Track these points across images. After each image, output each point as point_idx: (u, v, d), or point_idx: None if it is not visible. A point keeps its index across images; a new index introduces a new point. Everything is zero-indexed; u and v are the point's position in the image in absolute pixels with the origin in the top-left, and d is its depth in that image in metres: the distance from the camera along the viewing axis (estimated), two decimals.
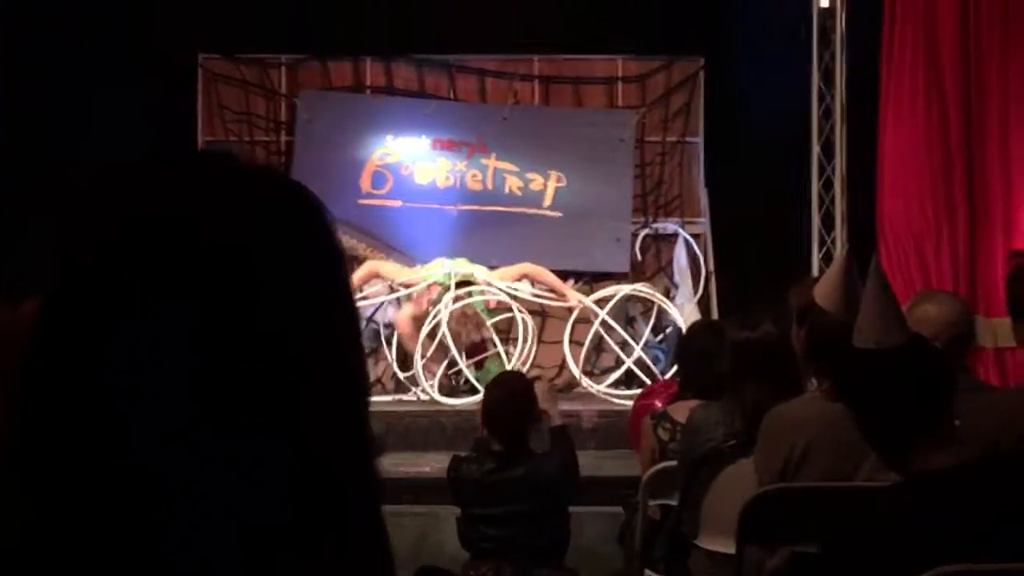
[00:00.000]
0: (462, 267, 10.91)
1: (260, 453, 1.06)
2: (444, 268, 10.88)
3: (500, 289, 10.87)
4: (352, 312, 1.17)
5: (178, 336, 1.05)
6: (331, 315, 1.14)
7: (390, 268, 11.18)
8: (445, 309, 10.69)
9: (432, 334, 10.65)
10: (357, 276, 10.98)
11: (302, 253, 1.13)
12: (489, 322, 10.86)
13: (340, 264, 1.16)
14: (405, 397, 10.65)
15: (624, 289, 11.14)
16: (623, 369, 11.00)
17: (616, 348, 11.27)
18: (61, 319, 1.08)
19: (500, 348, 10.75)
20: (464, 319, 10.75)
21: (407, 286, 10.93)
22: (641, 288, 11.23)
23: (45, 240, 1.15)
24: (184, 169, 1.14)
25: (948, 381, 3.09)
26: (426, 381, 10.53)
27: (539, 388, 6.00)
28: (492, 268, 11.10)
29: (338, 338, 1.15)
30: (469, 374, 10.62)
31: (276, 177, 1.17)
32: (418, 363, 10.56)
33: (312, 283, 1.12)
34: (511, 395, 5.71)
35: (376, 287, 11.17)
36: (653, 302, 11.57)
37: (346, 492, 1.13)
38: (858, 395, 3.18)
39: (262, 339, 1.07)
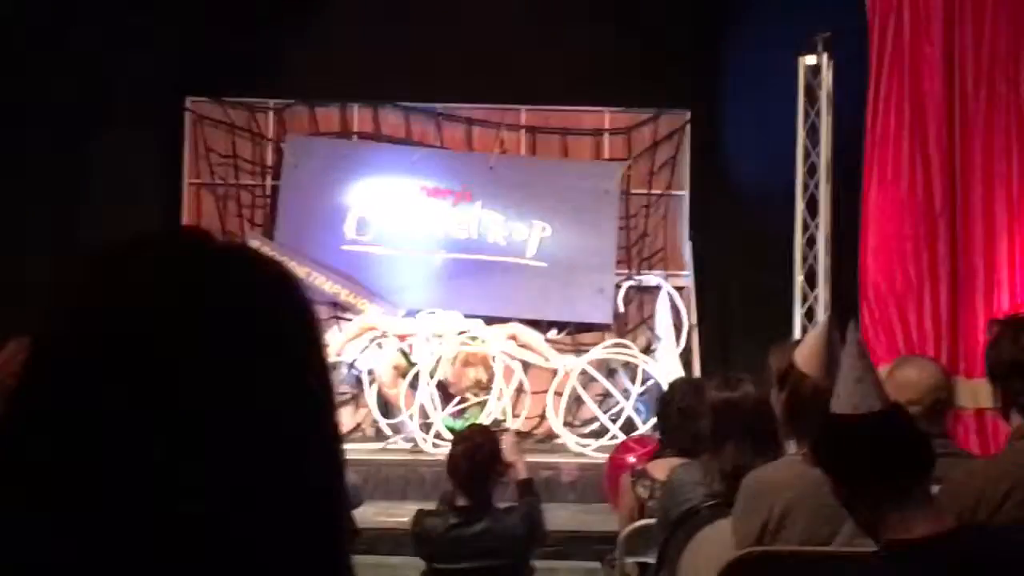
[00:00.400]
0: (456, 320, 10.92)
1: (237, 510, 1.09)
2: (439, 321, 10.89)
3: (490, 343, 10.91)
4: (328, 381, 1.20)
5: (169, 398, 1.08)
6: (311, 383, 1.17)
7: (384, 322, 11.19)
8: (431, 357, 10.70)
9: (414, 384, 10.65)
10: (351, 331, 11.00)
11: (287, 328, 1.16)
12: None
13: (319, 336, 1.20)
14: (387, 445, 10.62)
15: (599, 353, 11.17)
16: (601, 421, 10.97)
17: (587, 401, 11.24)
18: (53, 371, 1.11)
19: (490, 397, 10.74)
20: (474, 358, 10.76)
21: (402, 338, 10.93)
22: (621, 351, 11.23)
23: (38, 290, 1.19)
24: (171, 252, 1.16)
25: (926, 450, 3.09)
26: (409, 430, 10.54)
27: (505, 440, 5.97)
28: (477, 318, 11.11)
29: (317, 403, 1.17)
30: (442, 425, 10.62)
31: (256, 256, 1.19)
32: (405, 411, 10.56)
33: (298, 353, 1.16)
34: (475, 448, 5.69)
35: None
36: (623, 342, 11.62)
37: (314, 540, 1.14)
38: (834, 460, 3.17)
39: (252, 407, 1.11)
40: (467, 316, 11.14)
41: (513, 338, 11.16)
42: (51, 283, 1.16)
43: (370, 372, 11.29)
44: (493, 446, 5.78)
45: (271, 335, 1.14)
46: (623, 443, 8.96)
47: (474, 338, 10.85)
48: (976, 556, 2.82)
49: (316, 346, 1.18)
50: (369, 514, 5.95)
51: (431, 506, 5.97)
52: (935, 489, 3.49)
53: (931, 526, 2.91)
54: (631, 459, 7.81)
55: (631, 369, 11.58)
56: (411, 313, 11.64)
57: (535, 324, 11.79)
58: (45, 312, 1.14)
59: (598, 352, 11.16)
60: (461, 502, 5.68)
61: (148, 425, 1.08)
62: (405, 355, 10.80)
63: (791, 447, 4.63)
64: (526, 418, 11.36)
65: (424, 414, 10.73)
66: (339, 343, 11.01)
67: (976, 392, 8.69)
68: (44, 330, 1.14)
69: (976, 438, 8.92)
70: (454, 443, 6.01)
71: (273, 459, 1.12)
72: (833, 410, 3.17)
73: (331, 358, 10.79)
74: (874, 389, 3.15)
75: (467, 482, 5.65)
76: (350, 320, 11.66)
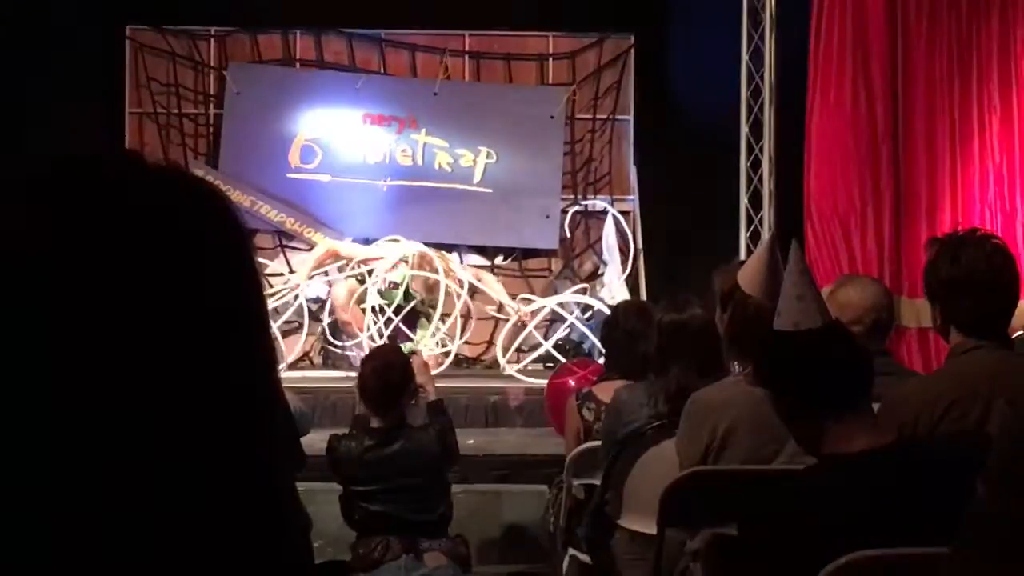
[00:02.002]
0: (418, 248, 10.81)
1: (172, 420, 1.10)
2: (401, 248, 10.78)
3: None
4: (260, 290, 1.22)
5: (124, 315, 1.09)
6: (247, 292, 1.19)
7: (348, 248, 11.11)
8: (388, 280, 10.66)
9: (361, 302, 10.60)
10: (315, 256, 10.92)
11: (213, 247, 1.17)
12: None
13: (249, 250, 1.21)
14: (334, 373, 10.62)
15: (557, 299, 11.13)
16: (546, 347, 10.98)
17: (523, 329, 11.23)
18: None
19: (436, 313, 10.65)
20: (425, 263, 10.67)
21: (365, 263, 10.82)
22: (573, 295, 11.20)
23: None
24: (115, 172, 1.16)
25: (866, 366, 3.13)
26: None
27: (415, 363, 5.99)
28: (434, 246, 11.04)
29: (253, 314, 1.20)
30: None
31: (189, 179, 1.19)
32: (362, 333, 10.47)
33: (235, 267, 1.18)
34: (386, 367, 5.69)
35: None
36: (580, 279, 11.63)
37: (256, 462, 1.15)
38: (775, 377, 3.21)
39: (193, 315, 1.12)
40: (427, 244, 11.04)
41: (477, 277, 11.09)
42: None
43: (316, 300, 11.26)
44: (403, 363, 5.78)
45: (195, 253, 1.14)
46: (563, 366, 8.98)
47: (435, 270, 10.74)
48: (912, 468, 2.87)
49: (246, 265, 1.18)
50: (317, 441, 5.94)
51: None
52: (875, 407, 3.54)
53: (869, 440, 2.95)
54: (571, 382, 7.83)
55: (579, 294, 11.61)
56: (359, 240, 11.61)
57: (481, 250, 11.79)
58: None
59: (565, 297, 11.12)
60: (375, 424, 5.69)
61: (85, 355, 1.08)
62: (360, 279, 10.73)
63: (735, 368, 4.68)
64: (471, 343, 11.38)
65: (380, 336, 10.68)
66: (305, 271, 10.94)
67: (919, 311, 8.79)
68: None
69: (919, 357, 9.03)
70: (363, 362, 6.01)
71: (201, 376, 1.12)
72: (775, 327, 3.20)
73: (295, 286, 10.83)
74: (815, 306, 3.18)
75: (380, 402, 5.66)
76: (298, 248, 11.63)
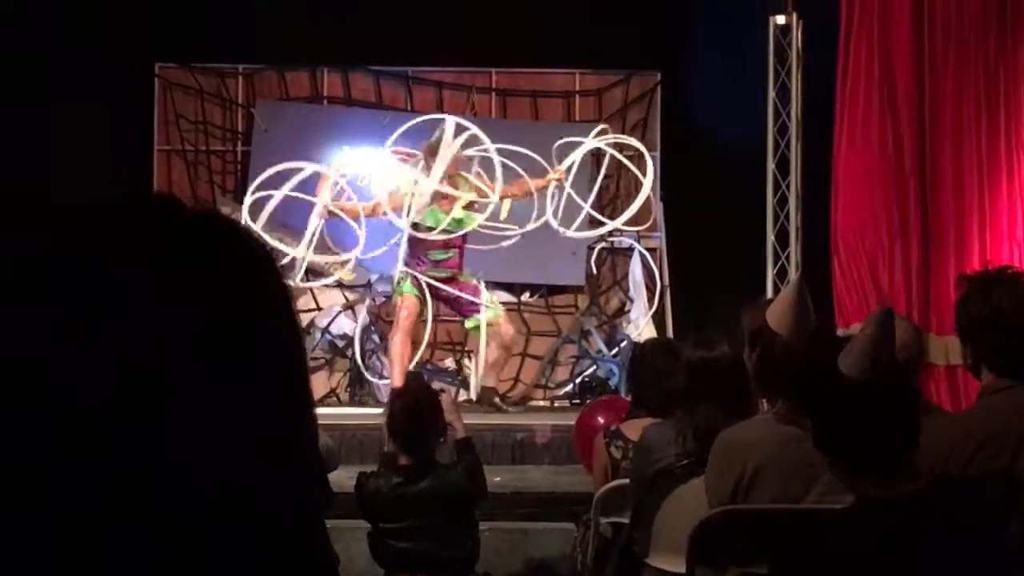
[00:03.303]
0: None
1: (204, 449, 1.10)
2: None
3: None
4: (299, 335, 1.21)
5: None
6: (289, 338, 1.19)
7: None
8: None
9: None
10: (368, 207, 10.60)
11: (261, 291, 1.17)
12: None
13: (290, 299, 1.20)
14: (360, 410, 10.62)
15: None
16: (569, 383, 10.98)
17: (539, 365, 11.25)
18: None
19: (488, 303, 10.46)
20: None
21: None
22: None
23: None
24: (145, 218, 1.16)
25: (918, 418, 3.14)
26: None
27: (444, 401, 5.98)
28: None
29: (295, 358, 1.19)
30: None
31: (230, 224, 1.20)
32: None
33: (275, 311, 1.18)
34: (416, 404, 5.69)
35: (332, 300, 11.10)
36: (607, 315, 11.61)
37: (284, 501, 1.15)
38: (831, 420, 3.21)
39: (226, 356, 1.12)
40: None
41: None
42: (18, 247, 1.15)
43: (343, 336, 11.27)
44: (432, 401, 5.78)
45: (245, 311, 1.14)
46: (592, 403, 8.96)
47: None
48: (945, 510, 2.86)
49: (290, 319, 1.19)
50: (343, 478, 5.94)
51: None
52: None
53: (905, 483, 2.95)
54: (600, 420, 7.81)
55: (604, 330, 11.61)
56: (384, 278, 11.61)
57: (508, 287, 11.79)
58: (11, 279, 1.13)
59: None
60: (403, 461, 5.68)
61: (109, 401, 1.08)
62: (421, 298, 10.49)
63: (764, 406, 4.67)
64: (500, 380, 11.38)
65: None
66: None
67: (948, 348, 8.75)
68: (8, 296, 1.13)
69: (948, 394, 8.98)
70: (392, 400, 6.00)
71: (243, 443, 1.12)
72: (843, 371, 3.19)
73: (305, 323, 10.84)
74: (885, 357, 3.18)
75: (408, 439, 5.66)
76: (324, 285, 11.65)
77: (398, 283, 10.38)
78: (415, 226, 10.19)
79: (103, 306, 1.09)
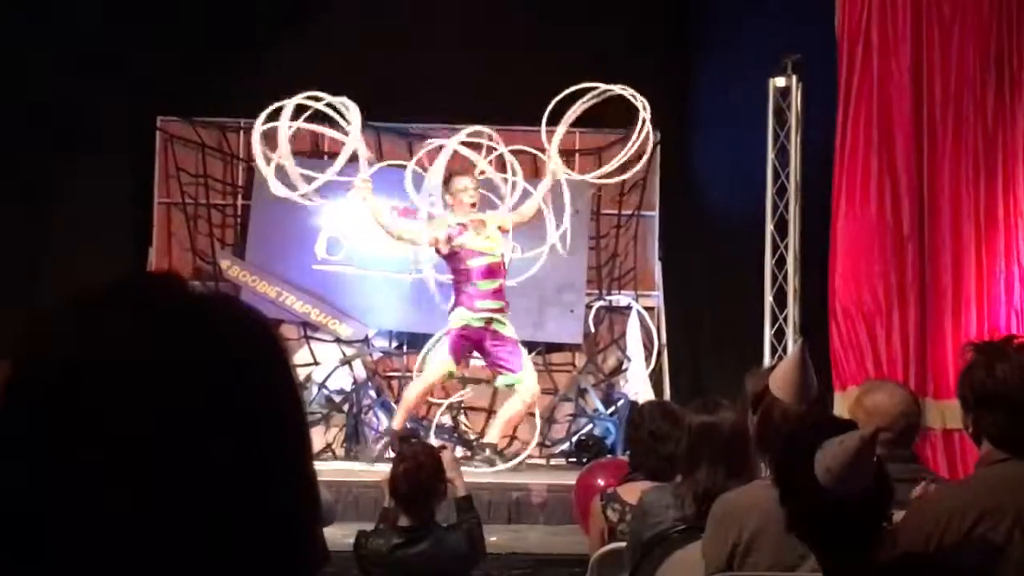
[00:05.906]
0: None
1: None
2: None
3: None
4: (301, 404, 1.22)
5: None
6: (289, 407, 1.19)
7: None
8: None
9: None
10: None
11: (263, 380, 1.17)
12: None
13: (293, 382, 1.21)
14: (356, 465, 10.60)
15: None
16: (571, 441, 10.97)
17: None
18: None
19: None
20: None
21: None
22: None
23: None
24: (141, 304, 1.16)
25: (890, 502, 3.21)
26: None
27: (445, 458, 5.97)
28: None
29: (296, 428, 1.19)
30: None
31: (231, 305, 1.20)
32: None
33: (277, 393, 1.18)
34: (418, 469, 5.68)
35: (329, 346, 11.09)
36: (604, 374, 11.60)
37: (291, 562, 1.15)
38: (810, 525, 3.26)
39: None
40: None
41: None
42: (24, 333, 1.16)
43: (340, 392, 11.27)
44: (435, 464, 5.77)
45: (248, 387, 1.15)
46: (592, 464, 8.95)
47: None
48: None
49: (291, 393, 1.19)
50: (338, 536, 5.92)
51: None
52: (900, 515, 3.55)
53: (887, 555, 3.00)
54: (600, 481, 7.80)
55: (601, 389, 11.60)
56: (382, 334, 11.64)
57: None
58: (18, 361, 1.14)
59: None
60: (403, 522, 5.67)
61: (120, 476, 1.09)
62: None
63: (764, 472, 4.66)
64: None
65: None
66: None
67: (944, 412, 8.76)
68: (18, 379, 1.13)
69: (944, 459, 8.97)
70: (395, 462, 5.99)
71: (248, 506, 1.13)
72: (824, 485, 3.21)
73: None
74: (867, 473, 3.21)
75: (409, 502, 5.65)
76: (322, 339, 11.66)
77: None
78: (455, 252, 10.23)
79: (92, 408, 1.10)
